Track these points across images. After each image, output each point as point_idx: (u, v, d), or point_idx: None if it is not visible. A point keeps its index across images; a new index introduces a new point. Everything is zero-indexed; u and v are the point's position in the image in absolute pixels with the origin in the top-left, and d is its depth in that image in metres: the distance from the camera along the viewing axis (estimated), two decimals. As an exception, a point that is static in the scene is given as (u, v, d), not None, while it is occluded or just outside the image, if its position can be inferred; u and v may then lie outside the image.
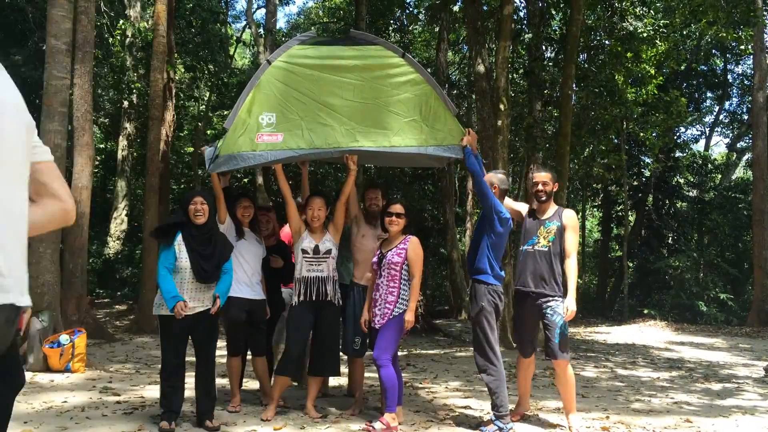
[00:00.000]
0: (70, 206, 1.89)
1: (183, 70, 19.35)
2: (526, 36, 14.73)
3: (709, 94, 26.11)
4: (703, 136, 28.45)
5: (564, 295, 4.89)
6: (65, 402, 5.29)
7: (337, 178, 18.55)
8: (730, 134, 27.52)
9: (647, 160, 22.02)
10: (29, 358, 6.69)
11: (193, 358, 4.70)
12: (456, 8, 16.93)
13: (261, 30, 16.88)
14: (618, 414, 5.58)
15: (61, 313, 7.82)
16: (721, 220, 20.63)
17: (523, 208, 5.30)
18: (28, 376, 6.09)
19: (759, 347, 12.20)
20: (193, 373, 4.69)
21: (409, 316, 4.75)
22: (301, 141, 4.92)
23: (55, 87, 7.49)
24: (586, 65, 14.29)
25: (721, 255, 20.67)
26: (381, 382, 4.73)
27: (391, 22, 18.98)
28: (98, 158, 19.48)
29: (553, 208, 5.07)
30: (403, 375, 5.55)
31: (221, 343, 5.30)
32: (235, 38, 21.65)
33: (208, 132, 19.25)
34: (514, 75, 16.10)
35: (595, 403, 6.09)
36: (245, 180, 17.80)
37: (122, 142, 18.69)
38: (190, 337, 4.64)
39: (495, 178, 5.09)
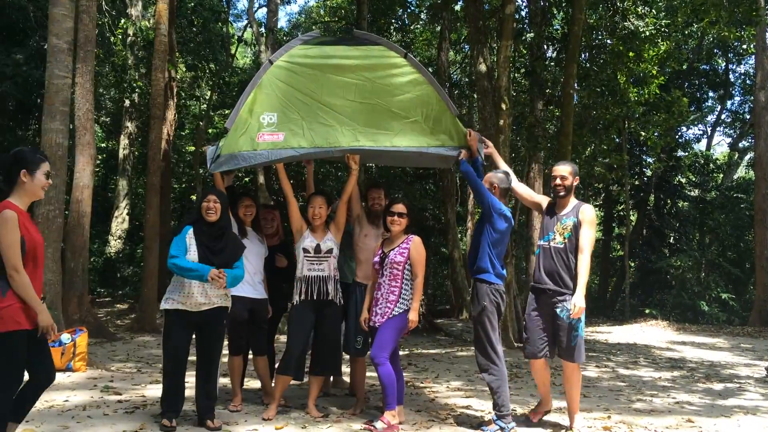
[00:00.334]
0: None
1: (184, 69, 19.36)
2: (528, 35, 14.72)
3: (710, 94, 26.08)
4: (705, 136, 28.44)
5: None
6: (66, 401, 5.29)
7: (338, 178, 18.54)
8: (733, 134, 27.48)
9: (649, 160, 22.00)
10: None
11: (193, 357, 4.69)
12: (457, 7, 16.91)
13: (262, 29, 16.86)
14: (620, 414, 5.57)
15: (62, 312, 7.82)
16: (723, 219, 20.60)
17: (543, 200, 5.17)
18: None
19: (761, 347, 12.19)
20: (193, 373, 4.68)
21: (413, 316, 4.75)
22: (303, 140, 4.92)
23: (57, 86, 7.48)
24: (588, 64, 14.26)
25: (722, 255, 20.64)
26: (379, 380, 4.73)
27: (393, 21, 18.95)
28: (99, 157, 19.48)
29: (571, 203, 4.90)
30: (404, 374, 5.55)
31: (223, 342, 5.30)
32: (236, 37, 21.65)
33: (210, 131, 19.25)
34: (516, 74, 16.07)
35: (597, 402, 6.09)
36: (246, 179, 17.79)
37: (123, 141, 18.69)
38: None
39: (495, 177, 5.08)
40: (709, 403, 6.32)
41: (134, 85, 16.98)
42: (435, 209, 18.71)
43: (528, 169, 15.60)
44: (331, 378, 6.11)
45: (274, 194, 15.23)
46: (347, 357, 5.58)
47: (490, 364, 4.73)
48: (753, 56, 19.96)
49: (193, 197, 15.26)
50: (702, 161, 22.94)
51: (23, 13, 13.57)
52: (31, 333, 3.42)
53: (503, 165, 5.46)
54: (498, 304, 4.79)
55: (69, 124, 7.78)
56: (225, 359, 5.32)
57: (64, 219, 7.98)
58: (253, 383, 6.14)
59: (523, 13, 16.10)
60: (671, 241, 22.07)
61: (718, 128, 28.12)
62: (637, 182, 22.11)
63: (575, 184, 4.89)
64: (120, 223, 18.46)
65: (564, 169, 4.88)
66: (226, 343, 5.37)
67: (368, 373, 5.69)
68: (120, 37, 17.33)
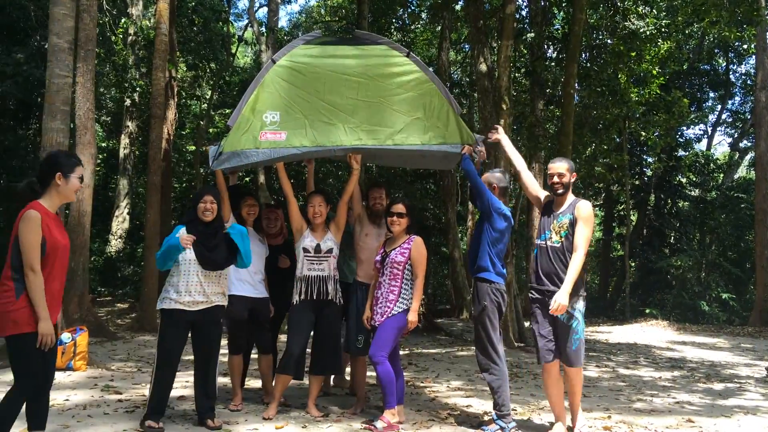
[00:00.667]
0: None
1: (185, 68, 19.37)
2: (529, 35, 14.72)
3: (711, 94, 26.08)
4: (706, 136, 28.44)
5: (576, 294, 4.53)
6: (67, 400, 5.29)
7: (338, 177, 18.54)
8: (734, 133, 27.48)
9: (649, 160, 22.00)
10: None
11: (187, 357, 4.68)
12: (458, 7, 16.91)
13: (263, 28, 16.84)
14: (620, 413, 5.57)
15: (62, 312, 7.81)
16: (724, 219, 20.60)
17: (543, 196, 4.98)
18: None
19: (761, 347, 12.19)
20: (187, 372, 4.67)
21: (412, 317, 4.75)
22: (305, 139, 4.93)
23: (57, 85, 7.48)
24: (589, 64, 14.26)
25: (723, 255, 20.65)
26: (378, 379, 4.73)
27: (393, 20, 18.95)
28: (100, 156, 19.49)
29: (568, 200, 4.72)
30: (404, 374, 5.55)
31: (223, 342, 5.30)
32: (237, 37, 21.65)
33: (210, 130, 19.26)
34: (516, 74, 16.07)
35: (597, 402, 6.09)
36: (247, 179, 17.80)
37: (124, 141, 18.70)
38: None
39: (493, 177, 5.08)
40: (710, 403, 6.32)
41: (135, 84, 16.99)
42: (435, 209, 18.72)
43: (528, 168, 15.58)
44: (332, 377, 6.11)
45: (275, 194, 15.24)
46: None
47: (490, 363, 4.73)
48: (754, 56, 19.95)
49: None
50: (702, 161, 22.94)
51: (24, 12, 13.58)
52: None
53: (512, 152, 5.27)
54: (499, 303, 4.78)
55: (69, 124, 7.78)
56: (225, 358, 5.33)
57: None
58: (253, 382, 6.14)
59: (523, 13, 16.11)
60: (672, 240, 22.07)
61: (718, 128, 28.14)
62: (637, 182, 22.12)
63: (573, 180, 4.74)
64: (120, 222, 18.47)
65: (561, 166, 4.73)
66: (225, 342, 5.37)
67: (368, 372, 5.69)
68: (121, 36, 17.34)
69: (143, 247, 12.18)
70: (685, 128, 23.52)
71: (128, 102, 18.23)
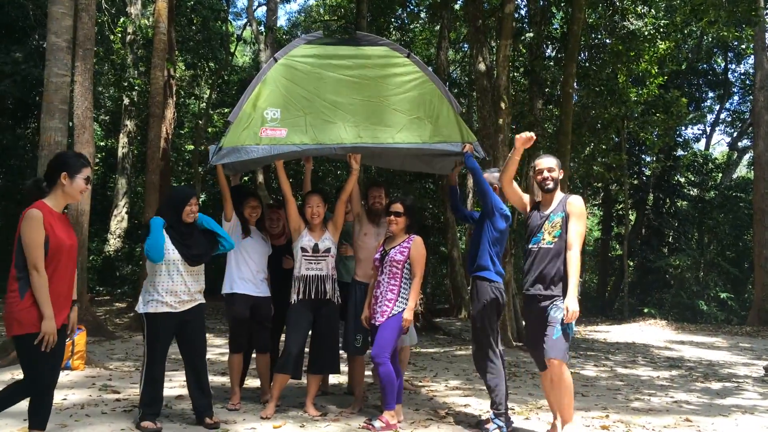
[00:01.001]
0: None
1: (183, 67, 19.37)
2: (527, 34, 14.71)
3: (710, 94, 26.11)
4: (704, 135, 28.46)
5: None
6: (65, 399, 5.29)
7: (337, 176, 18.55)
8: (733, 132, 27.51)
9: (648, 159, 22.02)
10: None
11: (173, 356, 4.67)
12: (457, 6, 16.92)
13: (262, 28, 16.84)
14: (618, 413, 5.58)
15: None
16: (722, 219, 20.62)
17: (528, 200, 4.81)
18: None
19: (759, 346, 12.20)
20: (178, 372, 4.68)
21: (408, 315, 4.75)
22: (305, 137, 4.95)
23: (56, 84, 7.47)
24: (587, 64, 14.28)
25: (721, 254, 20.68)
26: (379, 380, 4.73)
27: (392, 20, 18.95)
28: (99, 156, 19.49)
29: (557, 198, 4.54)
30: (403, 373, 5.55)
31: (222, 341, 5.30)
32: (235, 36, 21.64)
33: (209, 130, 19.25)
34: (515, 73, 16.07)
35: (595, 402, 6.09)
36: (246, 178, 17.80)
37: (123, 140, 18.71)
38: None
39: (492, 177, 5.09)
40: (707, 402, 6.33)
41: (133, 83, 16.98)
42: (434, 208, 18.73)
43: (527, 168, 15.59)
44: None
45: (273, 193, 15.24)
46: (344, 355, 5.59)
47: (488, 362, 4.73)
48: (752, 56, 19.97)
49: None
50: (701, 161, 22.97)
51: (22, 12, 13.58)
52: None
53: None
54: (498, 302, 4.78)
55: (68, 123, 7.77)
56: (225, 357, 5.33)
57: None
58: (251, 382, 6.14)
59: (522, 13, 16.11)
60: (670, 240, 22.09)
61: (717, 128, 28.16)
62: (636, 181, 22.14)
63: (561, 177, 4.59)
64: (119, 221, 18.47)
65: (550, 161, 4.56)
66: (224, 341, 5.37)
67: (367, 372, 5.69)
68: (119, 35, 17.32)
69: (141, 246, 12.17)
70: (683, 128, 23.56)
71: (127, 101, 18.23)
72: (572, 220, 4.37)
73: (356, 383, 5.46)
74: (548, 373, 4.40)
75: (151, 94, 11.70)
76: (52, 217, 3.47)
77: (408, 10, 18.62)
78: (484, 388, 5.02)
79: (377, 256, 4.97)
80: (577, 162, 16.78)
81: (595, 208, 24.87)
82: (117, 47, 17.28)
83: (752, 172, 21.01)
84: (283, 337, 5.85)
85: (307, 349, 5.17)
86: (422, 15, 19.38)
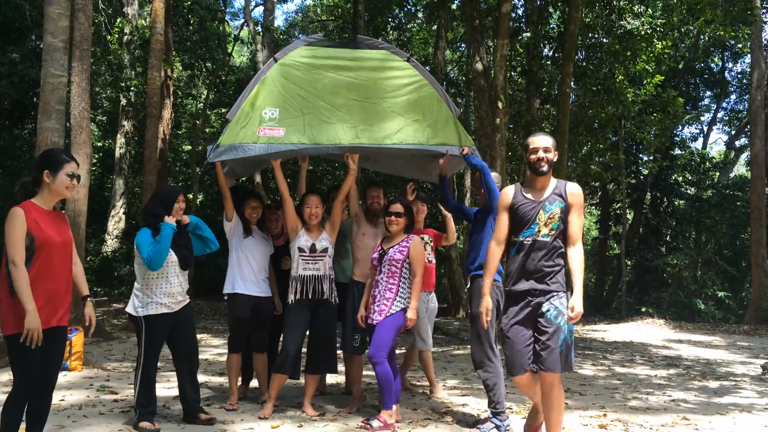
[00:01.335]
0: None
1: (181, 67, 19.35)
2: (525, 34, 14.74)
3: (707, 93, 26.15)
4: (701, 135, 28.52)
5: (564, 287, 3.97)
6: (62, 400, 5.28)
7: (335, 177, 18.54)
8: (730, 131, 27.56)
9: (645, 158, 22.05)
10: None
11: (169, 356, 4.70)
12: (454, 6, 16.93)
13: (259, 28, 16.84)
14: (615, 412, 5.58)
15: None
16: (719, 218, 20.67)
17: (506, 195, 4.12)
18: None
19: (757, 345, 12.22)
20: (168, 371, 4.70)
21: (411, 315, 4.76)
22: (303, 137, 4.98)
23: (53, 85, 7.46)
24: (584, 63, 14.30)
25: (719, 253, 20.73)
26: (377, 380, 4.73)
27: (390, 20, 18.96)
28: (96, 156, 19.44)
29: (552, 183, 4.02)
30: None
31: (219, 341, 5.30)
32: (233, 36, 21.62)
33: (206, 130, 19.23)
34: (513, 73, 16.09)
35: (593, 400, 6.10)
36: (243, 178, 17.78)
37: (120, 140, 18.67)
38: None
39: (496, 177, 5.09)
40: (705, 401, 6.34)
41: (130, 83, 16.96)
42: (432, 208, 18.71)
43: (524, 168, 15.62)
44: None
45: (271, 193, 15.23)
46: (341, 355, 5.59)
47: (486, 361, 4.73)
48: (749, 55, 20.01)
49: (189, 196, 15.23)
50: (698, 160, 23.01)
51: (19, 12, 13.55)
52: (44, 332, 3.41)
53: None
54: (497, 300, 4.77)
55: (65, 123, 7.76)
56: (223, 358, 5.33)
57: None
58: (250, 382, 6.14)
59: (519, 12, 16.13)
60: (668, 239, 22.13)
61: (714, 127, 28.22)
62: (633, 181, 22.18)
63: (556, 159, 4.05)
64: (116, 222, 18.45)
65: (546, 140, 4.01)
66: (222, 342, 5.37)
67: (365, 371, 5.69)
68: (116, 35, 17.29)
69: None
70: (680, 127, 23.60)
71: (124, 101, 18.20)
72: (574, 212, 3.93)
73: (354, 383, 5.46)
74: (531, 377, 3.96)
75: (148, 95, 11.69)
76: (39, 215, 3.46)
77: (405, 9, 18.63)
78: (482, 387, 5.03)
79: (375, 255, 4.98)
80: (575, 161, 16.82)
81: (593, 207, 24.91)
82: (114, 48, 17.25)
83: (749, 170, 21.05)
84: (281, 337, 5.86)
85: (304, 349, 5.18)
86: (419, 15, 19.39)
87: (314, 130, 5.00)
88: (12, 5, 13.48)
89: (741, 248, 21.00)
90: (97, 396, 5.54)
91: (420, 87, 5.24)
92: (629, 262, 21.66)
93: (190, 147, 18.45)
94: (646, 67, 14.73)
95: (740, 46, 22.15)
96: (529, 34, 14.57)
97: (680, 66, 22.05)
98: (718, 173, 24.30)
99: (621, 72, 14.08)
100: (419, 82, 5.26)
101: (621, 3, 13.75)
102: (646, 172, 22.35)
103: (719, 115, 27.49)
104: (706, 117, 27.41)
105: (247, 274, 5.21)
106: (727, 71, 25.81)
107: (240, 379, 5.52)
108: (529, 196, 3.99)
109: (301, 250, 5.03)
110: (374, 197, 5.52)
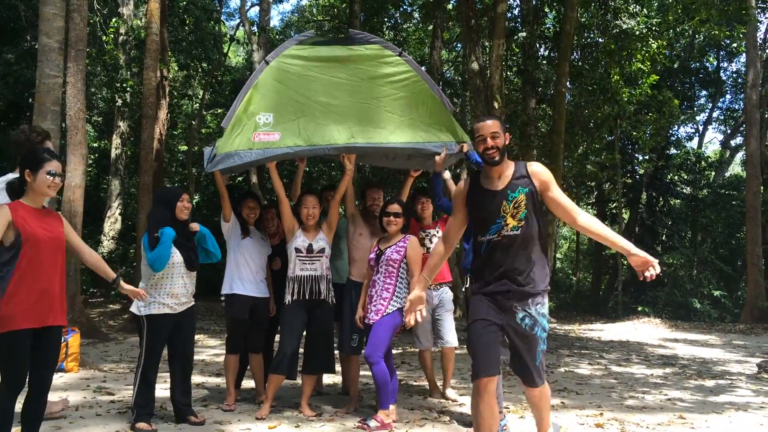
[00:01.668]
0: None
1: (176, 68, 19.30)
2: (520, 34, 14.76)
3: (702, 92, 26.21)
4: (697, 134, 28.58)
5: (543, 292, 3.49)
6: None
7: (331, 177, 18.53)
8: (725, 130, 27.61)
9: (641, 158, 22.10)
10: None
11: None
12: (450, 6, 16.94)
13: (255, 28, 16.84)
14: (612, 411, 5.60)
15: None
16: (715, 217, 20.71)
17: (459, 191, 3.69)
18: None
19: (752, 344, 12.26)
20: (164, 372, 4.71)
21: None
22: (298, 139, 4.96)
23: (48, 85, 7.46)
24: (580, 63, 14.32)
25: (714, 252, 20.76)
26: (374, 379, 4.73)
27: (386, 20, 18.97)
28: (91, 157, 19.40)
29: (510, 169, 3.52)
30: (397, 373, 5.55)
31: (216, 342, 5.29)
32: (228, 36, 21.61)
33: (202, 130, 19.22)
34: (508, 73, 16.12)
35: (589, 399, 6.11)
36: (240, 179, 17.76)
37: (116, 141, 18.62)
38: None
39: None
40: (701, 399, 6.35)
41: (126, 84, 16.92)
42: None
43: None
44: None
45: (268, 193, 15.22)
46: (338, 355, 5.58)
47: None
48: (744, 54, 20.07)
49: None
50: (694, 159, 23.06)
51: (14, 12, 13.51)
52: (37, 333, 3.41)
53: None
54: None
55: (60, 124, 7.76)
56: (220, 359, 5.33)
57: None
58: (246, 382, 6.13)
59: (515, 12, 16.16)
60: (663, 238, 22.17)
61: (709, 126, 28.27)
62: (629, 180, 22.21)
63: (507, 143, 3.55)
64: (112, 223, 18.39)
65: (493, 125, 3.50)
66: (219, 342, 5.37)
67: (362, 372, 5.69)
68: (111, 36, 17.25)
69: (135, 247, 12.15)
70: (676, 127, 23.64)
71: (119, 102, 18.15)
72: (551, 190, 3.48)
73: (351, 383, 5.46)
74: (493, 384, 3.39)
75: (144, 95, 11.67)
76: (27, 212, 3.46)
77: (401, 10, 18.64)
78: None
79: (372, 255, 4.98)
80: (571, 161, 16.85)
81: (589, 207, 24.94)
82: (109, 48, 17.22)
83: (745, 170, 21.11)
84: (277, 338, 5.86)
85: (301, 350, 5.18)
86: (415, 15, 19.40)
87: (309, 131, 4.98)
88: (7, 5, 13.45)
89: (737, 247, 21.04)
90: (94, 397, 5.53)
91: (414, 83, 5.20)
92: (625, 262, 21.65)
93: (186, 147, 18.44)
94: (642, 66, 14.76)
95: (735, 45, 22.24)
96: (524, 34, 14.59)
97: (675, 65, 22.11)
98: (713, 172, 24.34)
99: (616, 72, 14.11)
100: (413, 78, 5.20)
101: (616, 3, 13.78)
102: (641, 171, 22.39)
103: (714, 114, 27.57)
104: (702, 116, 27.51)
105: (245, 275, 5.21)
106: (722, 71, 25.90)
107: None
108: (487, 186, 3.52)
109: (298, 250, 5.03)
110: (375, 199, 5.53)
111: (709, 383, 7.43)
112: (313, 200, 5.12)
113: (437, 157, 5.16)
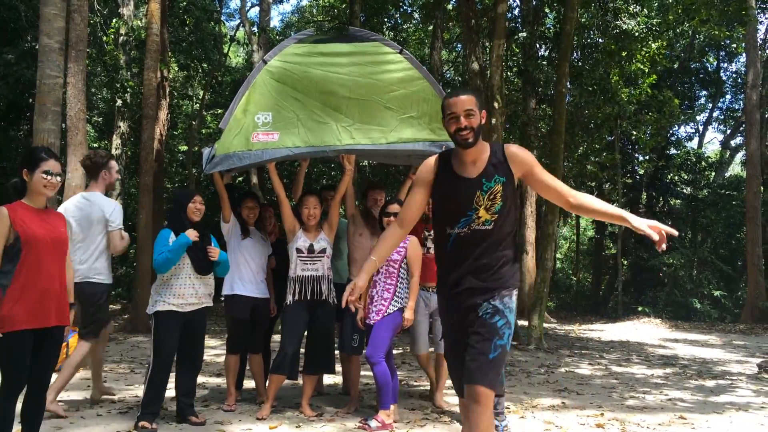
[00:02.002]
0: None
1: (177, 68, 19.31)
2: (520, 34, 14.76)
3: (702, 92, 26.21)
4: (697, 134, 28.58)
5: (510, 287, 3.01)
6: (60, 402, 5.26)
7: (331, 177, 18.53)
8: (725, 130, 27.61)
9: (641, 158, 22.10)
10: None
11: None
12: (450, 6, 16.94)
13: (255, 28, 16.83)
14: (612, 411, 5.60)
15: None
16: (715, 217, 20.71)
17: (421, 182, 3.16)
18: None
19: (752, 344, 12.26)
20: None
21: (409, 315, 4.78)
22: (297, 139, 4.92)
23: (48, 86, 7.45)
24: (580, 63, 14.32)
25: (714, 252, 20.77)
26: (375, 380, 4.73)
27: (386, 20, 18.97)
28: (92, 157, 19.36)
29: (485, 152, 3.02)
30: (398, 373, 5.56)
31: (216, 342, 5.30)
32: (228, 36, 21.61)
33: (202, 131, 19.22)
34: (509, 73, 16.12)
35: (590, 400, 6.11)
36: (240, 179, 17.76)
37: (116, 141, 18.60)
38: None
39: None
40: (701, 399, 6.36)
41: (126, 84, 16.92)
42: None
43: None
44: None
45: (268, 194, 15.22)
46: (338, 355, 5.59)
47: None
48: (744, 54, 20.08)
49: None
50: (694, 159, 23.06)
51: (15, 13, 13.52)
52: (38, 333, 3.41)
53: None
54: None
55: (61, 124, 7.75)
56: (220, 359, 5.33)
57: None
58: (246, 382, 6.13)
59: (515, 12, 16.16)
60: (664, 238, 22.15)
61: (709, 126, 28.27)
62: (629, 180, 22.22)
63: (483, 123, 3.00)
64: (112, 223, 18.37)
65: (467, 100, 2.96)
66: (219, 343, 5.37)
67: (362, 372, 5.69)
68: (112, 36, 17.26)
69: (135, 248, 12.14)
70: (676, 127, 23.64)
71: (120, 102, 18.15)
72: (536, 174, 3.02)
73: (352, 383, 5.46)
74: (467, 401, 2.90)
75: (144, 96, 11.67)
76: (27, 213, 3.46)
77: (401, 10, 18.64)
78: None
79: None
80: (571, 161, 16.84)
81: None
82: (110, 48, 17.21)
83: (745, 170, 21.11)
84: (275, 337, 5.86)
85: (302, 350, 5.18)
86: (416, 15, 19.40)
87: (308, 131, 4.94)
88: (7, 6, 13.45)
89: (737, 247, 21.05)
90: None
91: (413, 81, 5.14)
92: (625, 262, 21.69)
93: (186, 148, 18.44)
94: (642, 67, 14.76)
95: (735, 45, 22.25)
96: (525, 35, 14.59)
97: (675, 66, 22.11)
98: (713, 173, 24.34)
99: (616, 72, 14.11)
100: (412, 75, 5.15)
101: (617, 3, 13.78)
102: (641, 171, 22.40)
103: (714, 114, 27.56)
104: (702, 116, 27.50)
105: (245, 276, 5.21)
106: (722, 71, 25.89)
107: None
108: (459, 173, 3.03)
109: (299, 251, 5.03)
110: (377, 199, 5.52)
111: (710, 383, 7.43)
112: (314, 200, 5.11)
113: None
